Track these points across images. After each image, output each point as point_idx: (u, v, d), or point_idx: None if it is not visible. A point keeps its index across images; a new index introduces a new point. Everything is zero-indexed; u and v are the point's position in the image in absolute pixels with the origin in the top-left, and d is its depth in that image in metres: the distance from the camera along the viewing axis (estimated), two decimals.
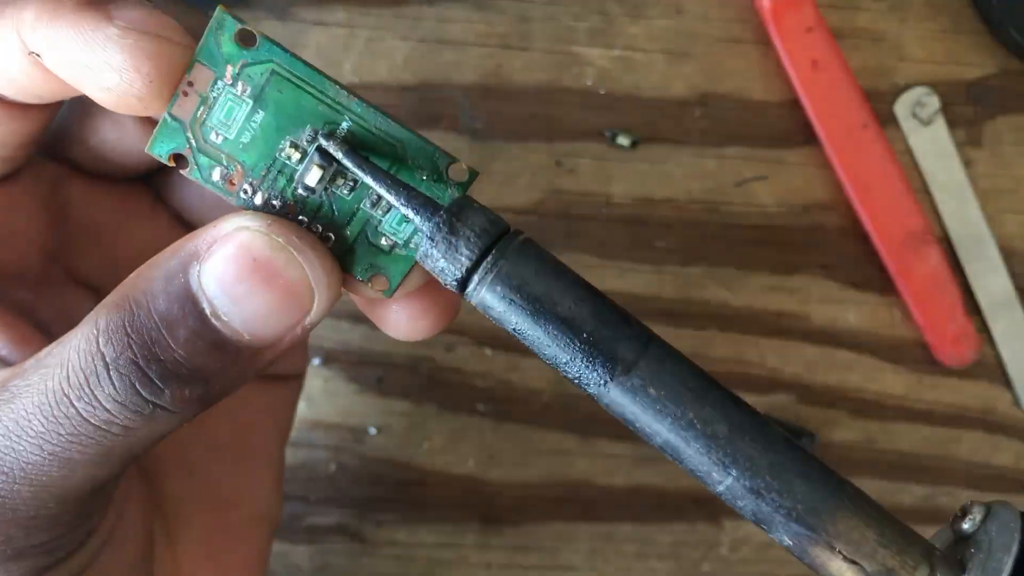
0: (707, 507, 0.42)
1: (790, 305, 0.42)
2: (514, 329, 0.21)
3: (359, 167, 0.21)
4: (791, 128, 0.42)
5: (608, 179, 0.41)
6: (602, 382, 0.21)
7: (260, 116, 0.22)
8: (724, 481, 0.21)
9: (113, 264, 0.28)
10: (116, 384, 0.20)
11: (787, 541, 0.21)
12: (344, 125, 0.22)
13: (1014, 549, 0.19)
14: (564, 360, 0.21)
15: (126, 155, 0.27)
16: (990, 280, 0.42)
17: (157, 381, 0.21)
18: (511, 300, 0.21)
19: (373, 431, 0.41)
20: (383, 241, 0.23)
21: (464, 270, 0.21)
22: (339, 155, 0.21)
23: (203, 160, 0.22)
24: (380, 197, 0.22)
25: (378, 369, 0.41)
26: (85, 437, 0.21)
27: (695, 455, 0.21)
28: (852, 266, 0.42)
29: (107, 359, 0.20)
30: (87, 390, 0.21)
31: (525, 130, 0.41)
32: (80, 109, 0.27)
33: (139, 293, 0.21)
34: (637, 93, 0.41)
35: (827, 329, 0.42)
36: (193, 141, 0.22)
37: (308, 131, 0.22)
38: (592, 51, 0.41)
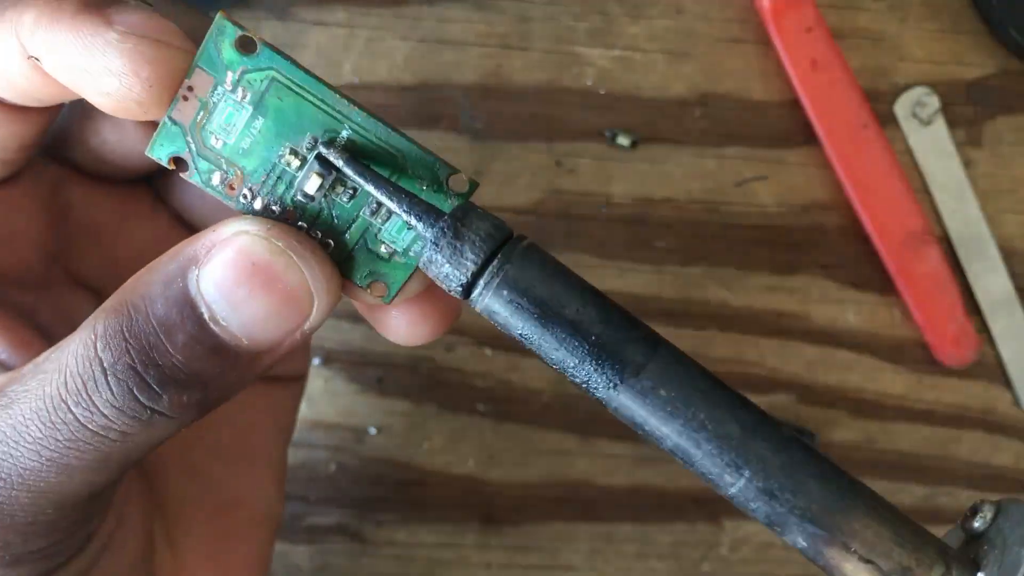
0: (707, 507, 0.42)
1: (790, 305, 0.42)
2: (520, 334, 0.21)
3: (360, 175, 0.21)
4: (791, 128, 0.42)
5: (608, 179, 0.41)
6: (611, 385, 0.21)
7: (260, 122, 0.22)
8: (737, 483, 0.20)
9: (114, 265, 0.28)
10: (114, 389, 0.20)
11: (801, 543, 0.21)
12: (344, 134, 0.22)
13: None
14: (572, 364, 0.21)
15: (127, 157, 0.27)
16: (990, 280, 0.42)
17: (155, 386, 0.21)
18: (517, 304, 0.21)
19: (373, 431, 0.41)
20: (382, 249, 0.23)
21: (470, 275, 0.21)
22: (340, 163, 0.21)
23: (203, 164, 0.22)
24: (380, 205, 0.22)
25: (378, 369, 0.41)
26: (83, 443, 0.21)
27: (707, 457, 0.20)
28: (852, 266, 0.42)
29: (105, 364, 0.20)
30: (85, 395, 0.20)
31: (525, 130, 0.41)
32: (81, 111, 0.26)
33: (137, 298, 0.21)
34: (637, 93, 0.41)
35: (827, 329, 0.42)
36: (193, 145, 0.22)
37: (308, 139, 0.22)
38: (592, 51, 0.41)
